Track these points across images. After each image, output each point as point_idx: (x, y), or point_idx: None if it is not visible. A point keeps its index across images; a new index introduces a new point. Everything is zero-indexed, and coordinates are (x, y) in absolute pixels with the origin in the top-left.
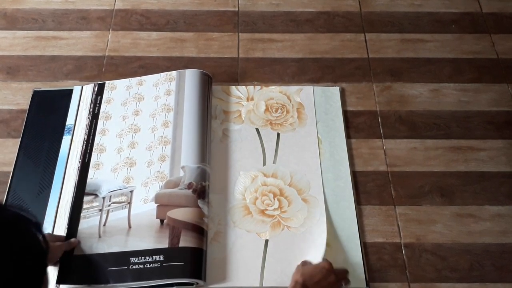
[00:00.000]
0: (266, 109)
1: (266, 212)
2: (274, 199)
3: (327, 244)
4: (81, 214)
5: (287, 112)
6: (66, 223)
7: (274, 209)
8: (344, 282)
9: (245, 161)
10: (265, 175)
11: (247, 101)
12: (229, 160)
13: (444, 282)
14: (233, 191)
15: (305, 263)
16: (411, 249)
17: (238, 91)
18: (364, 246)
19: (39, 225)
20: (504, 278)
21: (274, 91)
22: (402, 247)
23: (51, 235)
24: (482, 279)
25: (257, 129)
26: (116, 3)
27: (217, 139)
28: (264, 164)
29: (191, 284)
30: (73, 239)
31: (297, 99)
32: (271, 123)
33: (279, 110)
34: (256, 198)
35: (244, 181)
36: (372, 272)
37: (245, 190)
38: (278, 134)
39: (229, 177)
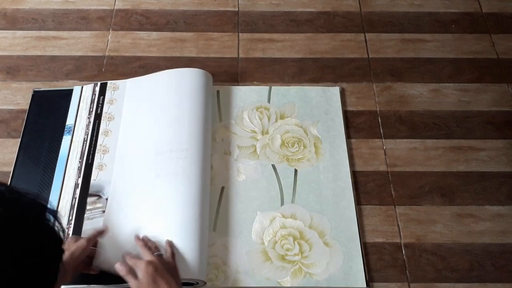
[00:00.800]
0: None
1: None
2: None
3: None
4: (85, 215)
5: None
6: (66, 223)
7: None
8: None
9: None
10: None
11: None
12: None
13: (444, 282)
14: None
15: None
16: (411, 249)
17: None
18: (364, 246)
19: (55, 212)
20: (504, 278)
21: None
22: (402, 247)
23: (75, 236)
24: (482, 279)
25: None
26: (116, 3)
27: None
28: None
29: (191, 284)
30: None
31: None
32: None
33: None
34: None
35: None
36: (372, 272)
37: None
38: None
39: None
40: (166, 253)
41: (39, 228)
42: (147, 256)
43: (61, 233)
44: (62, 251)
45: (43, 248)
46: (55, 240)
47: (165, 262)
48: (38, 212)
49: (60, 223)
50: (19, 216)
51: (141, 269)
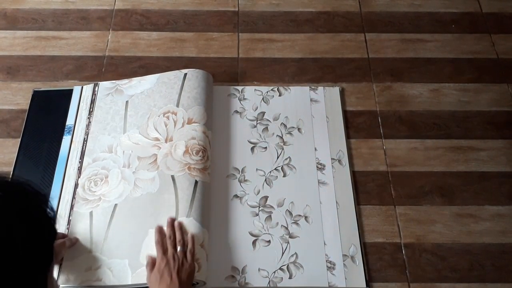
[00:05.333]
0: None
1: None
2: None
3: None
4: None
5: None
6: (66, 223)
7: None
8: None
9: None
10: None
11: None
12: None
13: (444, 282)
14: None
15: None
16: (411, 249)
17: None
18: (364, 246)
19: (45, 197)
20: (504, 278)
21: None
22: (402, 247)
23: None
24: (482, 279)
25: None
26: (116, 3)
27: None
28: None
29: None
30: (72, 236)
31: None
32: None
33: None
34: None
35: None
36: (372, 272)
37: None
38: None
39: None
40: (188, 249)
41: (34, 210)
42: (160, 253)
43: (52, 215)
44: (55, 231)
45: (39, 229)
46: (49, 221)
47: (180, 260)
48: (32, 196)
49: (51, 207)
50: (15, 200)
51: (156, 263)
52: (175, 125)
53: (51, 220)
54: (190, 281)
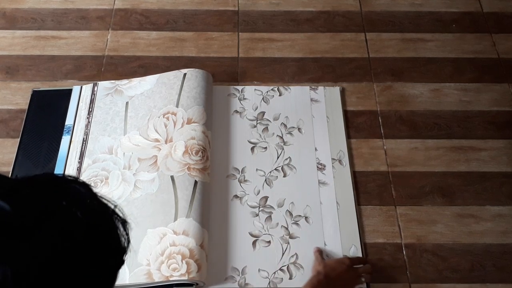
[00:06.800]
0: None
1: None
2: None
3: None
4: None
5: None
6: None
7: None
8: (365, 278)
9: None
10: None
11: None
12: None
13: (445, 283)
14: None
15: (320, 252)
16: (412, 249)
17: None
18: (365, 246)
19: (124, 222)
20: (505, 279)
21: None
22: (403, 248)
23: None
24: (483, 279)
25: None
26: (115, 2)
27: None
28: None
29: (191, 284)
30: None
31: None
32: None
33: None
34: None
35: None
36: (372, 273)
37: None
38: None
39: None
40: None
41: (109, 236)
42: (345, 265)
43: (125, 243)
44: (123, 262)
45: (108, 258)
46: (120, 250)
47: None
48: (111, 220)
49: (127, 233)
50: (95, 224)
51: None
52: (174, 126)
53: (123, 248)
54: None
